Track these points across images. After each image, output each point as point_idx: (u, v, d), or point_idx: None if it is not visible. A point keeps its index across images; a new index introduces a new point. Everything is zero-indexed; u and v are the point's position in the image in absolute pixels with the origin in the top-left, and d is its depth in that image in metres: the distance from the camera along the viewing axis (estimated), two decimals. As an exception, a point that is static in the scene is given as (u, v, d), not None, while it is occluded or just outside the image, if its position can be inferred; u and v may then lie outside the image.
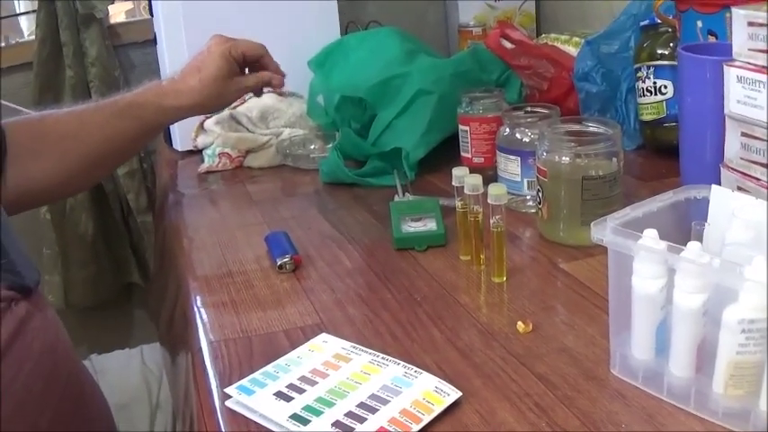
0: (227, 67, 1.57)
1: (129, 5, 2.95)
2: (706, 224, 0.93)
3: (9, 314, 1.05)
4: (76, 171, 1.51)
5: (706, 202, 0.95)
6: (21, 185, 1.40)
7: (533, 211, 1.32)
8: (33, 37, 2.70)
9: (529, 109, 1.46)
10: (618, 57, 1.67)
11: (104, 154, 1.53)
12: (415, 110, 1.64)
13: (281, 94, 1.92)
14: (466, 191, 1.16)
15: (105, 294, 2.74)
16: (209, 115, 1.90)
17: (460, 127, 1.55)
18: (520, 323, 1.00)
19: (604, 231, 0.86)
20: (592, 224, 0.88)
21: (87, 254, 2.67)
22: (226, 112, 1.88)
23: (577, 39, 1.95)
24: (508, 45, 1.84)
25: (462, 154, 1.55)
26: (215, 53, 1.58)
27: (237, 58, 1.60)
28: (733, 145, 1.11)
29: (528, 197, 1.36)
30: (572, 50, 1.90)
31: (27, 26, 2.93)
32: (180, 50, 1.99)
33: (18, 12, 2.95)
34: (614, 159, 1.22)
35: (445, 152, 1.62)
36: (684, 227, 0.94)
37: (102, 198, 2.65)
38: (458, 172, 1.18)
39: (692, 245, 0.79)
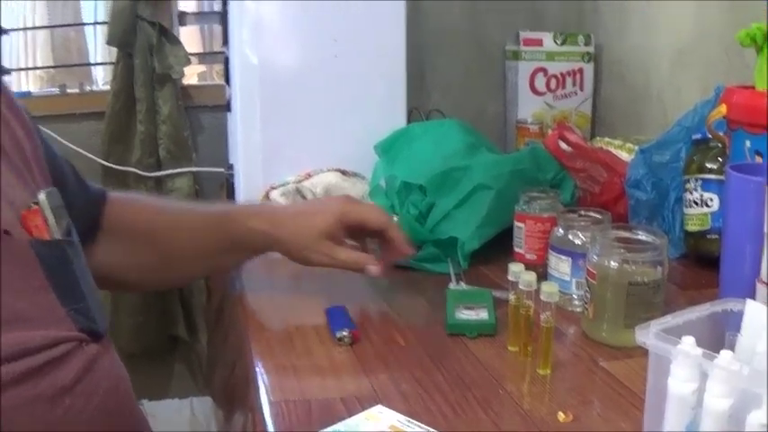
0: (333, 226, 1.51)
1: (202, 68, 3.06)
2: (739, 335, 1.01)
3: (80, 352, 1.13)
4: (157, 265, 1.56)
5: (741, 314, 1.02)
6: (102, 262, 1.48)
7: (579, 309, 1.39)
8: (108, 87, 2.81)
9: (582, 212, 1.52)
10: (669, 167, 1.73)
11: (188, 256, 1.58)
12: (473, 202, 1.71)
13: (344, 173, 2.01)
14: (520, 286, 1.24)
15: (150, 344, 2.82)
16: (274, 185, 1.99)
17: (516, 223, 1.62)
18: (560, 413, 1.08)
19: (648, 335, 0.94)
20: (636, 328, 0.96)
21: (137, 303, 2.76)
22: (291, 185, 1.96)
23: (630, 145, 2.02)
24: (565, 147, 1.91)
25: (515, 249, 1.62)
26: (331, 208, 1.54)
27: (352, 224, 1.52)
28: (770, 263, 1.18)
29: (575, 296, 1.43)
30: (624, 155, 1.97)
31: (102, 76, 3.06)
32: (253, 119, 2.10)
33: (95, 61, 3.06)
34: (659, 268, 1.29)
35: (498, 245, 1.69)
36: (720, 336, 1.02)
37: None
38: (514, 268, 1.26)
39: (725, 353, 0.87)
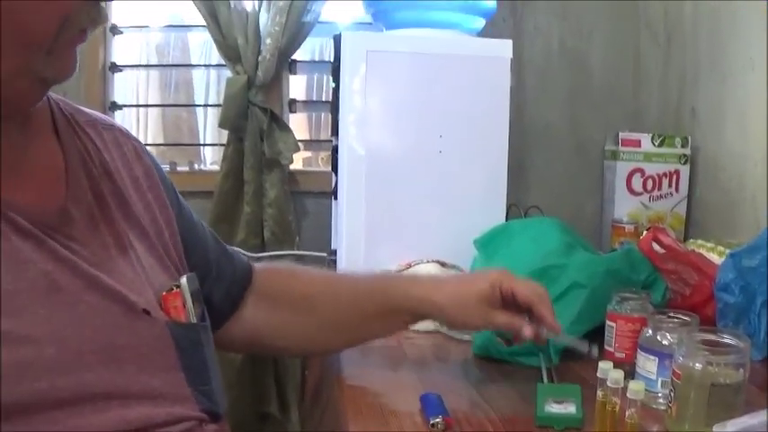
0: (488, 291, 1.56)
1: (308, 154, 3.15)
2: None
3: (199, 430, 1.21)
4: (314, 331, 1.64)
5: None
6: (257, 328, 1.59)
7: (663, 408, 1.43)
8: (216, 167, 2.93)
9: (672, 314, 1.56)
10: (757, 271, 1.75)
11: (347, 322, 1.64)
12: (568, 300, 1.77)
13: (443, 265, 2.09)
14: (608, 383, 1.30)
15: (243, 420, 2.89)
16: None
17: (608, 322, 1.67)
18: (641, 506, 1.14)
19: (724, 433, 1.01)
20: (714, 426, 1.03)
21: (233, 378, 2.84)
22: (393, 274, 2.04)
23: (722, 248, 2.05)
24: (658, 249, 1.96)
25: (606, 347, 1.67)
26: (487, 276, 1.60)
27: (505, 293, 1.57)
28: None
29: (660, 395, 1.47)
30: (716, 258, 2.00)
31: (210, 156, 3.19)
32: (358, 207, 2.20)
33: (204, 142, 3.19)
34: (741, 370, 1.32)
35: (589, 342, 1.71)
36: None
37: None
38: (603, 365, 1.32)
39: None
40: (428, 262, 2.10)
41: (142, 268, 1.25)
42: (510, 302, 1.58)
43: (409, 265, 2.08)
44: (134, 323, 1.17)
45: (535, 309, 1.57)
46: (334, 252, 2.34)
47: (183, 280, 1.29)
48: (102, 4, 1.12)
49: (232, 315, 1.57)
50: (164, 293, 1.26)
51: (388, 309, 1.62)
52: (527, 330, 1.55)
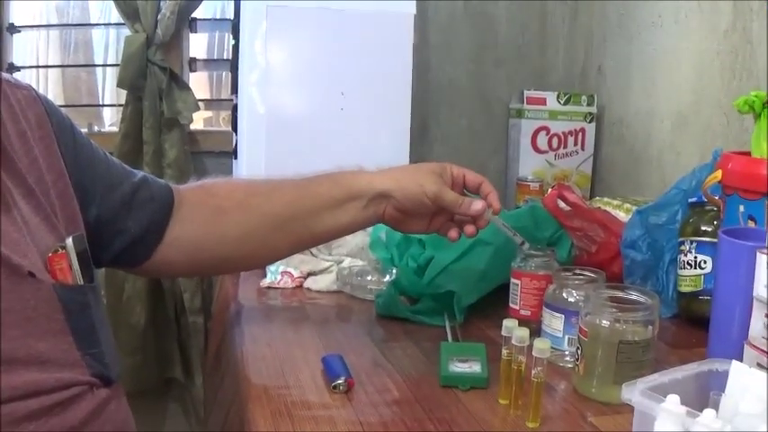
0: (439, 169, 1.58)
1: (209, 114, 3.09)
2: (723, 395, 1.04)
3: (90, 396, 1.16)
4: (260, 233, 1.56)
5: (726, 374, 1.05)
6: (194, 243, 1.52)
7: (570, 366, 1.42)
8: (115, 129, 2.85)
9: (577, 271, 1.54)
10: (664, 228, 1.76)
11: (291, 216, 1.57)
12: (472, 258, 1.74)
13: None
14: (513, 341, 1.26)
15: (146, 384, 2.84)
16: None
17: (512, 280, 1.64)
18: (547, 467, 1.11)
19: (633, 393, 0.98)
20: (623, 385, 1.00)
21: (136, 343, 2.79)
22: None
23: (628, 205, 2.06)
24: (564, 206, 1.94)
25: (511, 305, 1.64)
26: (434, 163, 1.61)
27: (456, 175, 1.60)
28: (757, 325, 1.21)
29: (567, 353, 1.45)
30: (622, 215, 2.01)
31: (109, 117, 3.11)
32: (258, 166, 2.16)
33: (104, 102, 3.11)
34: (650, 327, 1.31)
35: (493, 300, 1.72)
36: (704, 395, 1.06)
37: (158, 292, 2.77)
38: (508, 323, 1.29)
39: (708, 412, 0.91)
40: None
41: (27, 228, 1.19)
42: (459, 185, 1.60)
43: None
44: (18, 286, 1.12)
45: (484, 186, 1.60)
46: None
47: (69, 241, 1.23)
48: None
49: (162, 240, 1.49)
50: (49, 255, 1.20)
51: (339, 196, 1.58)
52: (478, 204, 1.55)
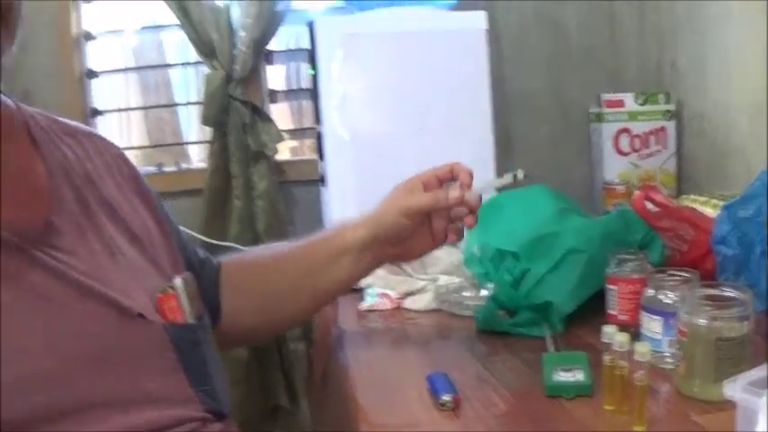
0: (406, 183, 1.64)
1: (294, 143, 3.14)
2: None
3: (204, 431, 1.21)
4: (274, 304, 1.65)
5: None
6: (230, 321, 1.58)
7: (671, 367, 1.43)
8: (203, 165, 2.92)
9: (671, 272, 1.55)
10: (752, 221, 1.74)
11: (301, 284, 1.65)
12: (566, 267, 1.76)
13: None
14: (614, 347, 1.29)
15: (253, 414, 2.88)
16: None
17: (608, 286, 1.67)
18: (658, 468, 1.13)
19: (735, 389, 1.01)
20: (724, 382, 1.02)
21: (240, 375, 2.83)
22: (387, 256, 2.04)
23: (715, 201, 2.05)
24: (651, 207, 1.95)
25: (608, 311, 1.66)
26: (397, 186, 1.66)
27: (427, 178, 1.63)
28: None
29: (667, 354, 1.47)
30: (710, 212, 2.00)
31: (196, 154, 3.17)
32: (346, 191, 2.22)
33: (189, 140, 3.19)
34: (745, 322, 1.32)
35: (591, 307, 1.73)
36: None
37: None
38: (607, 329, 1.32)
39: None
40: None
41: (134, 272, 1.25)
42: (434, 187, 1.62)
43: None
44: (129, 328, 1.17)
45: (454, 169, 1.62)
46: (328, 239, 2.31)
47: (178, 280, 1.28)
48: None
49: (220, 315, 1.58)
50: (159, 295, 1.25)
51: (331, 253, 1.63)
52: (455, 190, 1.59)
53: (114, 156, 1.42)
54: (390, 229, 1.60)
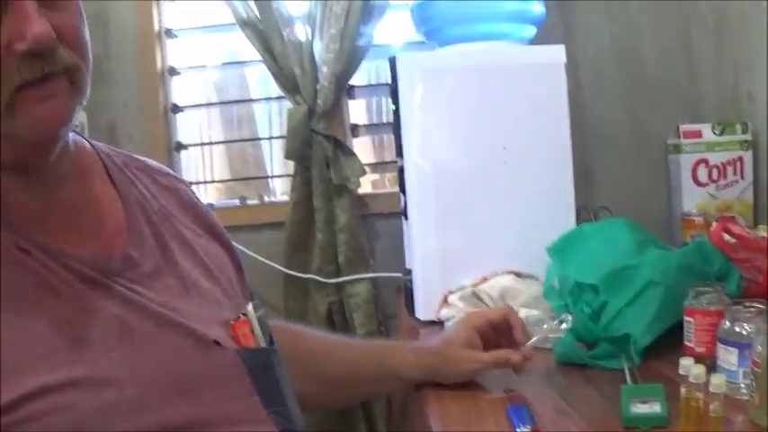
0: (466, 333, 1.69)
1: (375, 177, 3.20)
2: None
3: (279, 450, 1.28)
4: (313, 394, 1.70)
5: None
6: None
7: (746, 398, 1.45)
8: (285, 198, 3.00)
9: (747, 303, 1.57)
10: None
11: (342, 383, 1.74)
12: (644, 299, 1.79)
13: (518, 275, 2.13)
14: (691, 379, 1.32)
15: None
16: (452, 290, 2.11)
17: (686, 318, 1.69)
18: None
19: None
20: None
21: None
22: (468, 289, 2.08)
23: (792, 231, 2.07)
24: (729, 239, 1.96)
25: (686, 342, 1.68)
26: (459, 322, 1.73)
27: (481, 327, 1.70)
28: None
29: (742, 385, 1.49)
30: None
31: (280, 187, 3.25)
32: (429, 225, 2.25)
33: (271, 173, 3.27)
34: None
35: (668, 339, 1.76)
36: None
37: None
38: (684, 362, 1.34)
39: None
40: (503, 273, 2.15)
41: (208, 302, 1.35)
42: (488, 335, 1.70)
43: (485, 279, 2.12)
44: (206, 355, 1.26)
45: (510, 318, 1.72)
46: (409, 272, 2.38)
47: (249, 307, 1.37)
48: (62, 50, 1.16)
49: None
50: (232, 322, 1.34)
51: (385, 375, 1.73)
52: (514, 356, 1.65)
53: (186, 191, 1.53)
54: (445, 379, 1.71)
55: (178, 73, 3.21)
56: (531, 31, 2.49)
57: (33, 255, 1.18)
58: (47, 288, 1.17)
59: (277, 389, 1.35)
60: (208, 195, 3.33)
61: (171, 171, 1.58)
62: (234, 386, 1.27)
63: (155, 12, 3.13)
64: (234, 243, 1.60)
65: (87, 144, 1.41)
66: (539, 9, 2.46)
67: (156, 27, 3.14)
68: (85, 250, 1.24)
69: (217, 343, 1.28)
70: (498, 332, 1.72)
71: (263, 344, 1.37)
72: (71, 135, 1.33)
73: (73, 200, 1.30)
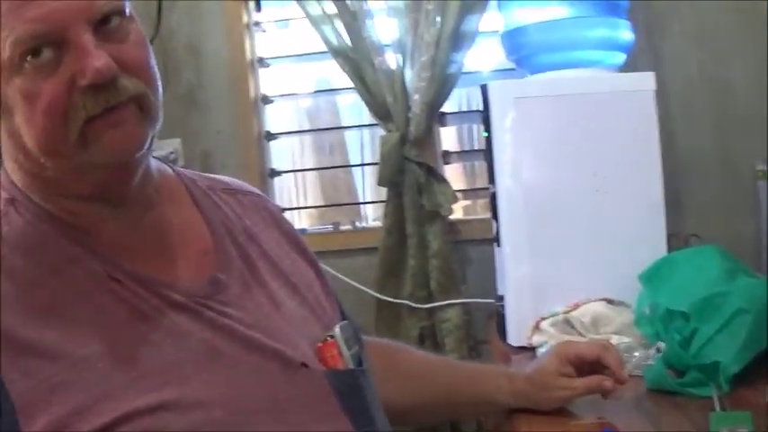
0: (559, 365, 1.69)
1: (467, 203, 3.25)
2: None
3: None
4: (407, 410, 1.74)
5: None
6: None
7: None
8: (377, 224, 3.07)
9: None
10: None
11: (437, 403, 1.76)
12: (734, 327, 1.80)
13: (610, 302, 2.15)
14: None
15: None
16: (544, 316, 2.15)
17: None
18: None
19: None
20: None
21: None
22: (561, 315, 2.12)
23: None
24: None
25: None
26: (551, 354, 1.73)
27: (572, 359, 1.69)
28: None
29: None
30: None
31: (371, 213, 3.31)
32: (521, 251, 2.29)
33: (363, 199, 3.35)
34: None
35: (756, 366, 1.78)
36: None
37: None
38: None
39: None
40: (594, 301, 2.18)
41: (296, 323, 1.38)
42: (580, 367, 1.70)
43: (576, 306, 2.15)
44: (294, 377, 1.29)
45: (603, 360, 1.68)
46: (501, 298, 2.41)
47: (337, 329, 1.41)
48: (125, 79, 1.20)
49: None
50: (319, 345, 1.37)
51: (480, 399, 1.76)
52: (608, 383, 1.65)
53: (271, 211, 1.58)
54: (537, 406, 1.73)
55: (271, 101, 3.29)
56: (620, 58, 2.53)
57: (124, 283, 1.24)
58: (138, 315, 1.23)
59: (365, 410, 1.38)
60: (301, 221, 3.40)
61: (254, 189, 1.62)
62: (322, 408, 1.31)
63: (247, 41, 3.22)
64: (327, 268, 1.64)
65: (170, 170, 1.47)
66: (628, 36, 2.50)
67: (249, 56, 3.23)
68: (174, 275, 1.30)
69: (305, 365, 1.31)
70: (590, 364, 1.73)
71: (350, 365, 1.40)
72: (153, 162, 1.39)
73: (159, 226, 1.35)
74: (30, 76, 1.15)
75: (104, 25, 1.19)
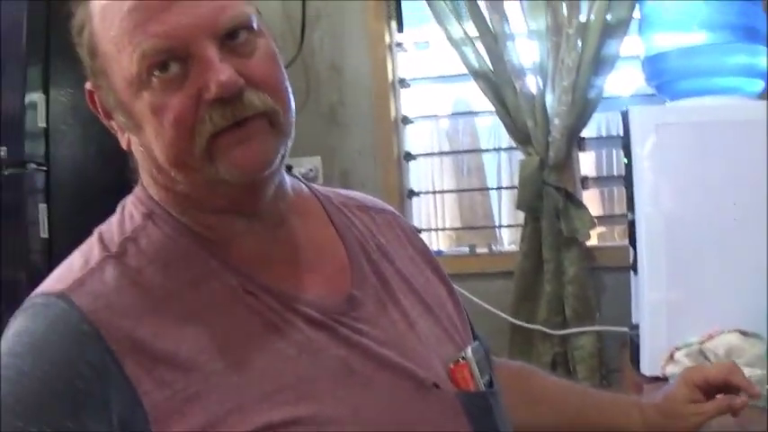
0: (688, 392, 1.65)
1: (602, 229, 3.25)
2: None
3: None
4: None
5: None
6: None
7: None
8: (514, 248, 3.09)
9: None
10: None
11: (566, 429, 1.75)
12: None
13: (744, 334, 2.15)
14: None
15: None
16: (678, 346, 2.15)
17: None
18: None
19: None
20: None
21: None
22: (695, 346, 2.12)
23: None
24: None
25: None
26: (679, 379, 1.70)
27: (700, 384, 1.64)
28: None
29: None
30: None
31: (507, 237, 3.33)
32: (659, 280, 2.29)
33: (499, 223, 3.39)
34: None
35: None
36: None
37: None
38: None
39: None
40: (729, 332, 2.17)
41: (430, 342, 1.38)
42: (708, 391, 1.66)
43: (710, 336, 2.15)
44: (425, 397, 1.30)
45: (731, 382, 1.64)
46: (636, 326, 2.42)
47: (469, 351, 1.41)
48: (251, 94, 1.21)
49: None
50: (451, 366, 1.38)
51: (610, 428, 1.72)
52: (738, 401, 1.61)
53: (404, 229, 1.59)
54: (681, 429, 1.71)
55: (411, 121, 3.35)
56: (759, 85, 2.52)
57: (259, 297, 1.27)
58: (273, 330, 1.26)
59: (496, 431, 1.39)
60: (438, 243, 3.45)
61: (388, 207, 1.63)
62: (452, 429, 1.32)
63: (389, 61, 3.28)
64: (462, 290, 1.66)
65: (305, 187, 1.49)
66: (766, 63, 2.49)
67: (390, 76, 3.29)
68: (309, 291, 1.32)
69: (437, 385, 1.32)
70: (718, 388, 1.70)
71: (482, 387, 1.39)
72: (288, 179, 1.42)
73: (293, 240, 1.37)
74: (158, 90, 1.20)
75: (231, 40, 1.22)
